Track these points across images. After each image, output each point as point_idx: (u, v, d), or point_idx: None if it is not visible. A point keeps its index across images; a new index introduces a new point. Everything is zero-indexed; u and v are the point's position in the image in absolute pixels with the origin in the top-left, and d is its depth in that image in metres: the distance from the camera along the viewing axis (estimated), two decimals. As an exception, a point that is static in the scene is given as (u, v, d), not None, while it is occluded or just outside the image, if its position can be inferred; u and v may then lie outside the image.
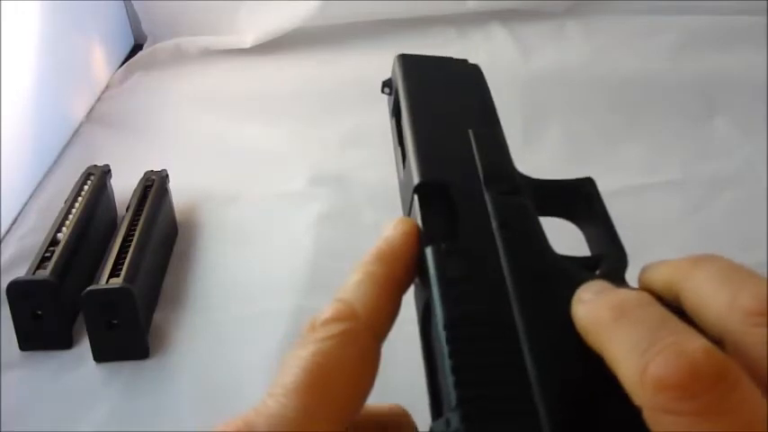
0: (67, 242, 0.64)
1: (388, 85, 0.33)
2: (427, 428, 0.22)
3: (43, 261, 0.62)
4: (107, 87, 1.06)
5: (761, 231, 0.68)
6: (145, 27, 1.17)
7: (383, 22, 1.11)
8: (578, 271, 0.24)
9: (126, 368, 0.60)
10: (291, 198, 0.79)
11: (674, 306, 0.21)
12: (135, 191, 0.72)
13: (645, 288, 0.23)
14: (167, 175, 0.75)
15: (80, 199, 0.70)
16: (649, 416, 0.17)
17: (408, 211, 0.27)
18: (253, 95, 1.00)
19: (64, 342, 0.62)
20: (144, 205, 0.69)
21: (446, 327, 0.21)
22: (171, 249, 0.73)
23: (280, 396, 0.21)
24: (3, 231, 0.76)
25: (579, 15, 1.11)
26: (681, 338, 0.18)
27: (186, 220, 0.77)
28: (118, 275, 0.60)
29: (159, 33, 1.15)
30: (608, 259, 0.25)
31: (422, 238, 0.25)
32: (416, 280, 0.25)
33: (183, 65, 1.09)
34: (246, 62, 1.08)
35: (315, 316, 0.23)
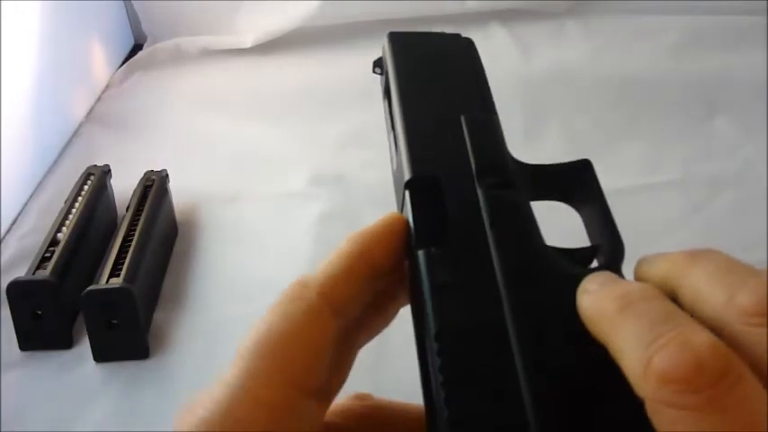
0: (67, 242, 0.64)
1: (378, 64, 0.33)
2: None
3: (43, 261, 0.62)
4: (107, 87, 1.06)
5: (761, 231, 0.68)
6: (145, 27, 1.17)
7: (383, 22, 1.11)
8: (572, 266, 0.24)
9: (126, 368, 0.60)
10: (291, 198, 0.79)
11: (671, 300, 0.21)
12: (135, 191, 0.72)
13: (640, 281, 0.23)
14: (167, 175, 0.75)
15: (80, 199, 0.70)
16: (652, 408, 0.17)
17: (401, 204, 0.27)
18: (253, 95, 1.00)
19: (64, 342, 0.62)
20: (144, 205, 0.69)
21: (436, 337, 0.21)
22: (171, 249, 0.73)
23: (236, 361, 0.22)
24: (3, 231, 0.76)
25: (579, 15, 1.11)
26: (686, 332, 0.18)
27: (186, 220, 0.77)
28: (118, 275, 0.60)
29: (159, 33, 1.15)
30: (604, 250, 0.25)
31: (412, 239, 0.24)
32: (408, 278, 0.25)
33: (183, 65, 1.09)
34: (246, 62, 1.08)
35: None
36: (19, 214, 0.80)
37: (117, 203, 0.77)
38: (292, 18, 1.09)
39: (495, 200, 0.25)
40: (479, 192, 0.25)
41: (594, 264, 0.25)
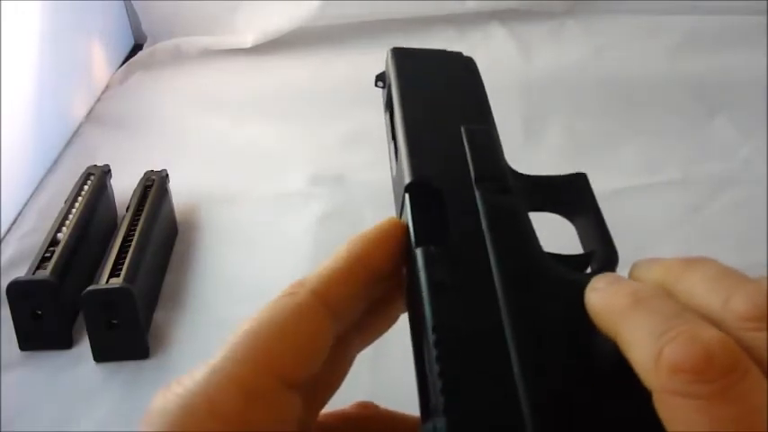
0: (67, 242, 0.64)
1: (381, 78, 0.33)
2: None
3: (43, 261, 0.62)
4: (107, 87, 1.06)
5: (761, 231, 0.68)
6: (145, 27, 1.17)
7: (383, 22, 1.11)
8: (568, 272, 0.24)
9: (126, 368, 0.60)
10: (291, 198, 0.79)
11: None
12: (135, 191, 0.72)
13: None
14: (167, 175, 0.75)
15: (80, 199, 0.70)
16: (660, 399, 0.18)
17: (400, 210, 0.27)
18: (253, 95, 1.00)
19: (64, 342, 0.62)
20: (144, 205, 0.69)
21: (434, 330, 0.21)
22: (171, 249, 0.73)
23: (222, 347, 0.22)
24: (3, 231, 0.76)
25: (579, 15, 1.12)
26: (696, 327, 0.18)
27: (186, 220, 0.77)
28: (118, 275, 0.60)
29: (159, 33, 1.15)
30: (598, 257, 0.25)
31: (412, 239, 0.24)
32: (406, 282, 0.25)
33: (183, 65, 1.09)
34: (246, 62, 1.08)
35: None
36: (19, 214, 0.80)
37: (117, 203, 0.77)
38: (292, 18, 1.09)
39: (493, 205, 0.25)
40: (478, 197, 0.26)
41: (589, 271, 0.26)
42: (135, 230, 0.65)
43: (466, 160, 0.27)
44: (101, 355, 0.61)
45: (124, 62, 1.11)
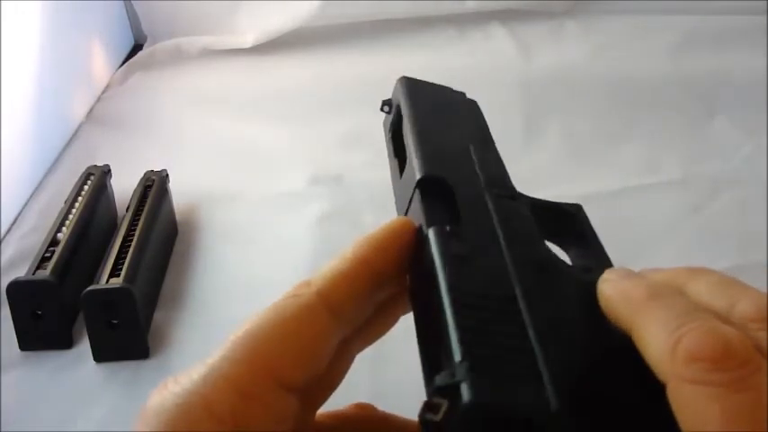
0: (67, 242, 0.64)
1: (387, 104, 0.34)
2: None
3: (43, 261, 0.62)
4: (107, 87, 1.06)
5: (761, 231, 0.68)
6: (145, 27, 1.17)
7: (383, 22, 1.11)
8: (574, 269, 0.25)
9: (126, 368, 0.60)
10: (291, 198, 0.79)
11: None
12: (135, 191, 0.72)
13: None
14: (167, 175, 0.75)
15: (80, 199, 0.70)
16: (674, 388, 0.18)
17: (406, 210, 0.27)
18: (253, 95, 1.00)
19: (64, 342, 0.62)
20: (144, 205, 0.69)
21: (450, 291, 0.21)
22: (171, 249, 0.73)
23: (221, 351, 0.22)
24: (3, 231, 0.76)
25: (579, 15, 1.11)
26: (713, 321, 0.19)
27: (186, 220, 0.77)
28: (118, 275, 0.60)
29: (159, 33, 1.15)
30: (597, 270, 0.26)
31: (424, 224, 0.25)
32: (414, 272, 0.25)
33: (183, 65, 1.09)
34: (246, 62, 1.08)
35: None
36: (19, 214, 0.80)
37: (117, 203, 0.77)
38: (292, 18, 1.09)
39: (503, 206, 0.26)
40: (488, 198, 0.26)
41: None
42: (135, 230, 0.65)
43: (475, 170, 0.28)
44: (101, 355, 0.60)
45: (124, 62, 1.11)
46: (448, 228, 0.24)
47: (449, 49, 1.04)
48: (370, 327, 0.26)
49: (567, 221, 0.29)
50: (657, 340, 0.19)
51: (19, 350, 0.62)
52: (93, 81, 1.04)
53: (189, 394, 0.21)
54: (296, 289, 0.23)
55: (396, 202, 0.29)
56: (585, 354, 0.21)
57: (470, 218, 0.25)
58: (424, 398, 0.20)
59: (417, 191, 0.26)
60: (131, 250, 0.63)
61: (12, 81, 0.80)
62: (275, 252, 0.72)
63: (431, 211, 0.25)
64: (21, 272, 0.64)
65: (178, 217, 0.76)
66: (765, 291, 0.20)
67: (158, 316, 0.65)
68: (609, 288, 0.22)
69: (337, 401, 0.26)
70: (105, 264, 0.62)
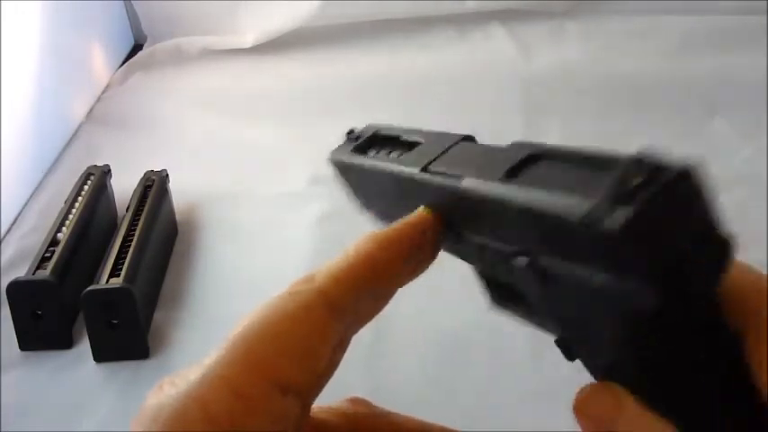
0: (67, 242, 0.64)
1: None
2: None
3: (43, 261, 0.62)
4: (107, 87, 1.06)
5: (761, 231, 0.68)
6: (145, 27, 1.17)
7: (383, 22, 1.11)
8: None
9: (126, 368, 0.60)
10: (291, 198, 0.79)
11: None
12: (135, 191, 0.72)
13: None
14: (167, 175, 0.75)
15: (80, 199, 0.70)
16: None
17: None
18: (253, 95, 1.00)
19: (64, 342, 0.62)
20: (144, 205, 0.69)
21: None
22: (171, 249, 0.73)
23: (219, 346, 0.21)
24: (3, 231, 0.76)
25: (579, 15, 1.12)
26: None
27: (186, 220, 0.77)
28: (118, 275, 0.60)
29: (159, 33, 1.15)
30: None
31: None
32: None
33: (183, 65, 1.09)
34: (246, 62, 1.08)
35: None
36: (19, 214, 0.80)
37: (117, 203, 0.77)
38: (292, 18, 1.10)
39: None
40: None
41: None
42: (135, 230, 0.65)
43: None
44: (101, 355, 0.60)
45: (124, 62, 1.11)
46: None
47: (449, 49, 1.04)
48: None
49: None
50: None
51: (19, 350, 0.62)
52: (93, 81, 1.04)
53: (185, 395, 0.21)
54: (296, 284, 0.23)
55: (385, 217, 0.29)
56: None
57: None
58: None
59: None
60: (131, 250, 0.63)
61: (12, 81, 0.80)
62: (275, 252, 0.72)
63: None
64: (21, 272, 0.64)
65: (178, 217, 0.76)
66: None
67: (158, 316, 0.65)
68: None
69: (334, 398, 0.26)
70: (105, 264, 0.62)
